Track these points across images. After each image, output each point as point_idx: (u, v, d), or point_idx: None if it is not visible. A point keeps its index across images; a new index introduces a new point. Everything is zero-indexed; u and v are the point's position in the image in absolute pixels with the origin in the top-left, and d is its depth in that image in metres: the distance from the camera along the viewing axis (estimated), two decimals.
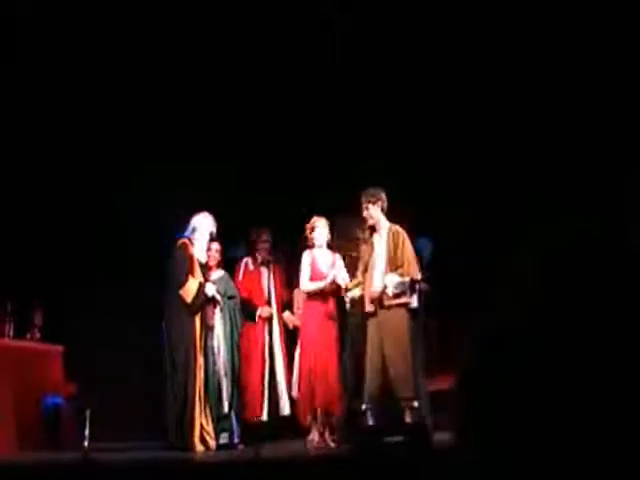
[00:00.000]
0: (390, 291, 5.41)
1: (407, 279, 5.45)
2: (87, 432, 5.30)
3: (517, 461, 1.41)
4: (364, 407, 5.45)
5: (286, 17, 6.97)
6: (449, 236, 6.67)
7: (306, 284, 5.81)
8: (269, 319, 6.38)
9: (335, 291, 5.83)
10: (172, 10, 7.09)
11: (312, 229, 5.92)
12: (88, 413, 5.37)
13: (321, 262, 5.88)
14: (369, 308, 5.53)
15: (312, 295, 5.81)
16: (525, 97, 6.65)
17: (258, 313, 6.35)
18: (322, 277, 5.79)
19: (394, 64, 7.23)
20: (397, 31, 7.02)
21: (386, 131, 7.39)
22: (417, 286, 5.57)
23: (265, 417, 6.16)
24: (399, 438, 5.10)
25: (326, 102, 7.38)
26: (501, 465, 1.43)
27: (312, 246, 5.93)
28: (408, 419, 5.32)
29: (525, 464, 1.40)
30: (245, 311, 6.28)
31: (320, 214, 6.00)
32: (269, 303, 6.43)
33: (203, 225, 5.96)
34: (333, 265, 5.86)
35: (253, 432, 5.99)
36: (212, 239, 6.06)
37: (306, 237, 5.97)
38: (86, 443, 5.43)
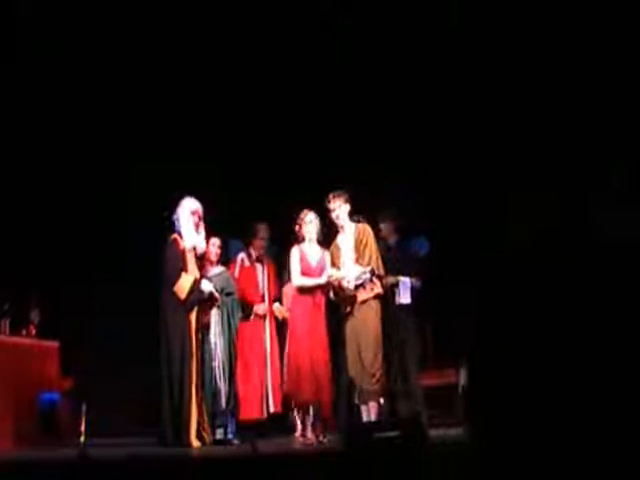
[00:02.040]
0: (352, 284, 5.57)
1: (367, 268, 5.59)
2: (83, 428, 5.32)
3: (520, 453, 1.45)
4: (357, 402, 5.51)
5: (286, 18, 7.00)
6: (444, 235, 6.73)
7: (298, 279, 5.76)
8: (265, 316, 6.41)
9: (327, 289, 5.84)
10: (164, 12, 7.12)
11: (301, 223, 5.87)
12: (84, 409, 5.38)
13: (310, 257, 5.82)
14: (345, 310, 5.66)
15: (301, 290, 5.76)
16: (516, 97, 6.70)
17: (255, 311, 6.36)
18: (311, 271, 5.75)
19: (387, 64, 7.27)
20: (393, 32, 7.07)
21: (379, 130, 7.43)
22: (388, 277, 5.85)
23: (264, 414, 6.20)
24: (394, 433, 5.13)
25: (323, 102, 7.42)
26: (506, 456, 1.47)
27: (302, 240, 5.87)
28: (373, 415, 5.41)
29: (527, 455, 1.43)
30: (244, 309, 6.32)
31: (310, 208, 5.93)
32: (263, 300, 6.46)
33: (183, 209, 5.90)
34: (322, 260, 5.82)
35: (248, 428, 6.04)
36: (211, 229, 6.04)
37: (296, 231, 5.93)
38: (82, 439, 5.45)
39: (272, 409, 6.23)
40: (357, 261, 5.66)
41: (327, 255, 5.85)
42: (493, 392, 1.46)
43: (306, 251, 5.83)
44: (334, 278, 5.65)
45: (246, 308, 6.34)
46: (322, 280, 5.70)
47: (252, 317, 6.36)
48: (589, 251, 1.47)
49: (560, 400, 1.39)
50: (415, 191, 6.74)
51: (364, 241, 5.67)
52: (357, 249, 5.68)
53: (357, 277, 5.58)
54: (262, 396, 6.22)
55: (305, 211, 5.87)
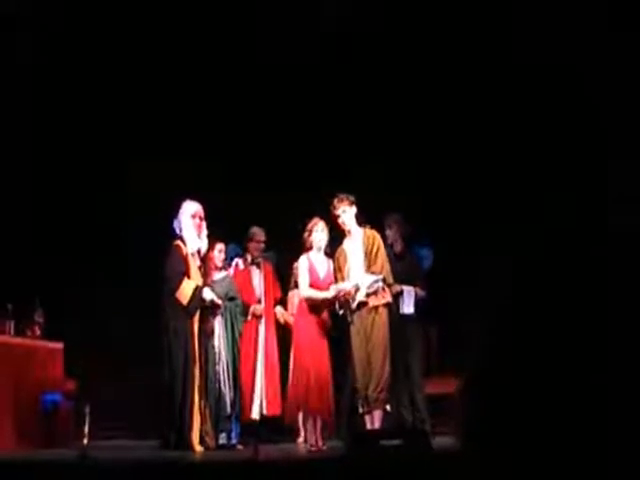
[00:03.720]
0: (364, 292, 5.49)
1: (380, 276, 5.52)
2: (86, 430, 5.30)
3: (520, 462, 1.43)
4: (361, 410, 5.48)
5: (286, 19, 7.03)
6: (448, 243, 6.73)
7: (306, 290, 5.74)
8: (260, 318, 6.42)
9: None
10: (162, 14, 7.16)
11: (310, 232, 5.81)
12: (87, 411, 5.36)
13: (318, 267, 5.80)
14: (350, 318, 5.61)
15: (309, 303, 5.74)
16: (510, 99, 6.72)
17: (251, 311, 6.36)
18: (319, 283, 5.73)
19: (390, 66, 7.29)
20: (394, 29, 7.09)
21: (384, 132, 7.44)
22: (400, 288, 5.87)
23: (256, 416, 6.17)
24: (397, 442, 5.11)
25: (325, 104, 7.43)
26: (505, 465, 1.45)
27: (310, 249, 5.82)
28: (377, 423, 5.37)
29: (528, 464, 1.42)
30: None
31: (321, 216, 5.86)
32: (259, 302, 6.48)
33: (185, 213, 5.90)
34: (328, 271, 5.80)
35: (250, 434, 6.04)
36: (215, 236, 6.04)
37: (304, 240, 5.86)
38: (85, 441, 5.43)
39: (265, 411, 6.20)
40: (369, 269, 5.57)
41: (332, 264, 5.82)
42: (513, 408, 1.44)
43: (314, 261, 5.80)
44: (343, 293, 5.57)
45: (243, 309, 6.34)
46: (330, 294, 5.67)
47: (249, 317, 6.35)
48: (609, 243, 1.43)
49: (589, 409, 1.35)
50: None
51: (375, 249, 5.61)
52: (368, 257, 5.60)
53: (369, 286, 5.50)
54: (252, 397, 6.19)
55: (315, 219, 5.81)
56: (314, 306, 5.71)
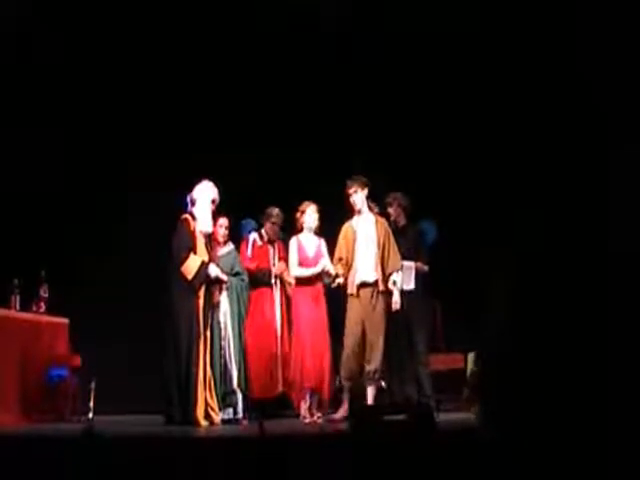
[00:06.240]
0: (400, 286, 5.86)
1: (400, 272, 5.88)
2: (92, 404, 5.34)
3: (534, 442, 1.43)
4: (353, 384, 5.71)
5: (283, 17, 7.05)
6: (451, 219, 6.71)
7: (295, 269, 5.99)
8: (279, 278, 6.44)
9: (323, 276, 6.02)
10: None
11: (302, 213, 6.05)
12: (93, 385, 5.39)
13: (307, 247, 6.05)
14: (351, 291, 5.84)
15: (300, 281, 5.99)
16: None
17: (273, 272, 6.36)
18: (308, 261, 5.97)
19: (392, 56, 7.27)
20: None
21: (391, 120, 7.43)
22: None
23: (279, 390, 6.20)
24: (400, 417, 5.12)
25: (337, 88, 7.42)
26: (520, 443, 1.45)
27: (300, 230, 6.06)
28: (370, 398, 5.59)
29: (540, 445, 1.41)
30: (259, 278, 6.36)
31: (311, 200, 6.08)
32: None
33: (203, 194, 5.91)
34: (318, 249, 6.03)
35: (257, 409, 6.07)
36: (219, 210, 6.03)
37: (296, 221, 6.11)
38: (90, 415, 5.47)
39: (280, 388, 6.21)
40: (385, 262, 5.85)
41: (323, 244, 6.10)
42: (506, 390, 1.44)
43: (303, 241, 6.06)
44: (327, 270, 5.87)
45: (263, 276, 6.36)
46: (318, 269, 5.94)
47: (273, 279, 6.36)
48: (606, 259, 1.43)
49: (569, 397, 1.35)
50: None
51: (388, 241, 5.89)
52: (382, 249, 5.87)
53: (401, 281, 5.87)
54: (276, 371, 6.21)
55: (306, 202, 6.07)
56: (307, 284, 5.96)
